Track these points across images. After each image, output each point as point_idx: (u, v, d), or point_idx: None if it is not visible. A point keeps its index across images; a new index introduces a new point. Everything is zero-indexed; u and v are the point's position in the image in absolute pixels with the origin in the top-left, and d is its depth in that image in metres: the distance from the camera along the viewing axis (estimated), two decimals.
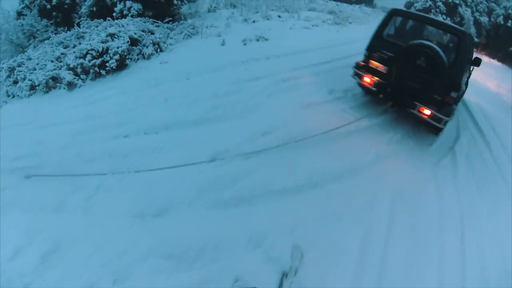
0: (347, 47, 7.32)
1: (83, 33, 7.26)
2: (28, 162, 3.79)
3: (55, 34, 8.43)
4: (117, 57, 6.30)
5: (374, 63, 4.28)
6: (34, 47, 8.04)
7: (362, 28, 10.52)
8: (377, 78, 4.23)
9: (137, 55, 6.66)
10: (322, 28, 9.50)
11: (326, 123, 4.00)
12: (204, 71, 5.52)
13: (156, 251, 2.44)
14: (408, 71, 3.90)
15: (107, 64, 6.20)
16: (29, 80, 6.60)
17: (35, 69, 6.74)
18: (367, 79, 4.31)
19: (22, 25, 8.63)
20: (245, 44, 6.70)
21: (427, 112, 3.82)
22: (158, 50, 6.91)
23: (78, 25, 7.79)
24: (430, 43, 3.76)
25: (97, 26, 7.44)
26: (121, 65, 6.38)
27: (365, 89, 4.64)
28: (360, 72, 4.40)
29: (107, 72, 6.29)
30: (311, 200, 2.95)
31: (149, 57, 6.70)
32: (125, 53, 6.44)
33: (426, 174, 3.68)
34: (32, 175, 3.32)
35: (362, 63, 4.44)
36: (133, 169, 3.24)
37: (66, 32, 7.72)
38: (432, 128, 4.16)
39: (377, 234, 2.76)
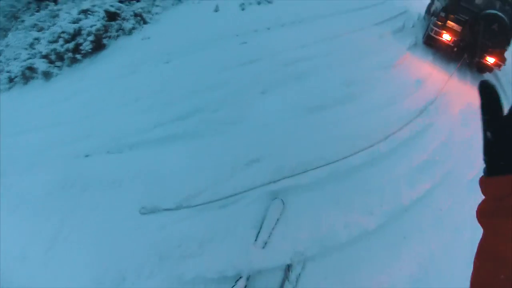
0: (368, 11, 5.67)
1: (58, 10, 6.24)
2: None
3: (37, 11, 7.49)
4: (91, 37, 5.30)
5: (451, 23, 5.20)
6: (17, 29, 7.18)
7: None
8: (453, 35, 5.23)
9: (117, 31, 5.60)
10: None
11: (349, 138, 2.85)
12: (189, 50, 4.41)
13: None
14: (482, 32, 4.98)
15: (81, 48, 5.23)
16: (7, 72, 5.90)
17: (10, 59, 5.98)
18: (446, 36, 5.22)
19: (2, 7, 7.71)
20: (243, 9, 5.35)
21: (492, 60, 5.11)
22: (141, 22, 5.76)
23: (55, 0, 6.74)
24: (502, 15, 4.93)
25: (73, 1, 6.35)
26: (99, 46, 5.40)
27: (439, 43, 5.44)
28: (439, 30, 5.23)
29: (84, 56, 5.35)
30: None
31: (130, 32, 5.61)
32: (101, 32, 5.41)
33: None
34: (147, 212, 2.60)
35: (440, 22, 5.25)
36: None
37: (42, 11, 6.73)
38: (487, 70, 5.54)
39: None
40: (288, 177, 2.52)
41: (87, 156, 3.27)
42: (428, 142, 3.22)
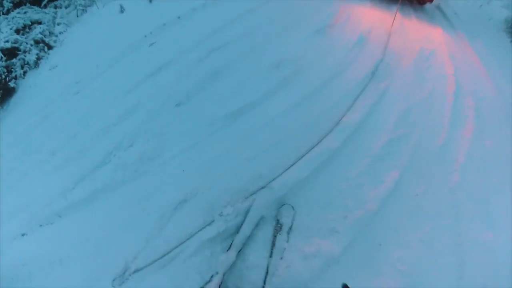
0: None
1: None
2: None
3: None
4: None
5: None
6: None
7: None
8: None
9: (22, 67, 4.88)
10: None
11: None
12: (97, 71, 3.85)
13: None
14: None
15: None
16: None
17: None
18: None
19: None
20: (150, 1, 4.60)
21: None
22: (46, 48, 5.04)
23: None
24: None
25: None
26: (7, 91, 4.72)
27: None
28: None
29: None
30: None
31: (37, 64, 4.91)
32: (4, 75, 4.71)
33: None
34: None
35: None
36: None
37: None
38: (428, 1, 5.29)
39: None
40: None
41: (23, 235, 2.87)
42: (386, 115, 2.73)
